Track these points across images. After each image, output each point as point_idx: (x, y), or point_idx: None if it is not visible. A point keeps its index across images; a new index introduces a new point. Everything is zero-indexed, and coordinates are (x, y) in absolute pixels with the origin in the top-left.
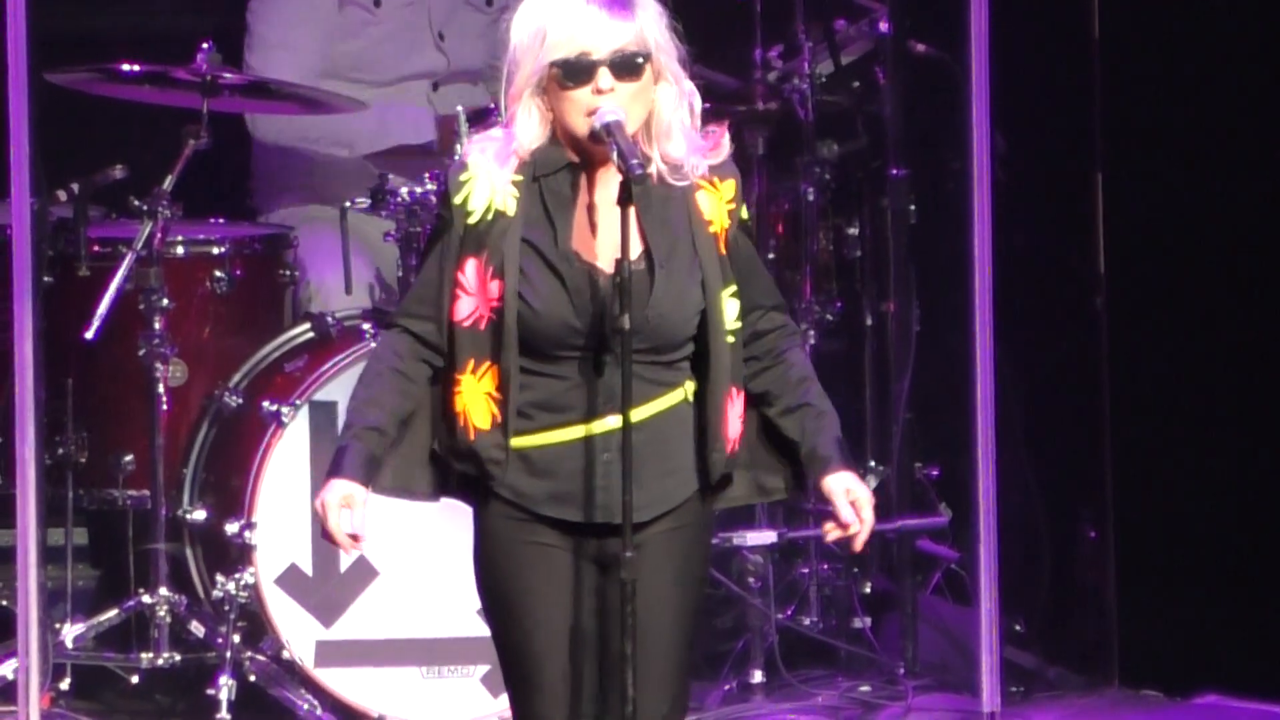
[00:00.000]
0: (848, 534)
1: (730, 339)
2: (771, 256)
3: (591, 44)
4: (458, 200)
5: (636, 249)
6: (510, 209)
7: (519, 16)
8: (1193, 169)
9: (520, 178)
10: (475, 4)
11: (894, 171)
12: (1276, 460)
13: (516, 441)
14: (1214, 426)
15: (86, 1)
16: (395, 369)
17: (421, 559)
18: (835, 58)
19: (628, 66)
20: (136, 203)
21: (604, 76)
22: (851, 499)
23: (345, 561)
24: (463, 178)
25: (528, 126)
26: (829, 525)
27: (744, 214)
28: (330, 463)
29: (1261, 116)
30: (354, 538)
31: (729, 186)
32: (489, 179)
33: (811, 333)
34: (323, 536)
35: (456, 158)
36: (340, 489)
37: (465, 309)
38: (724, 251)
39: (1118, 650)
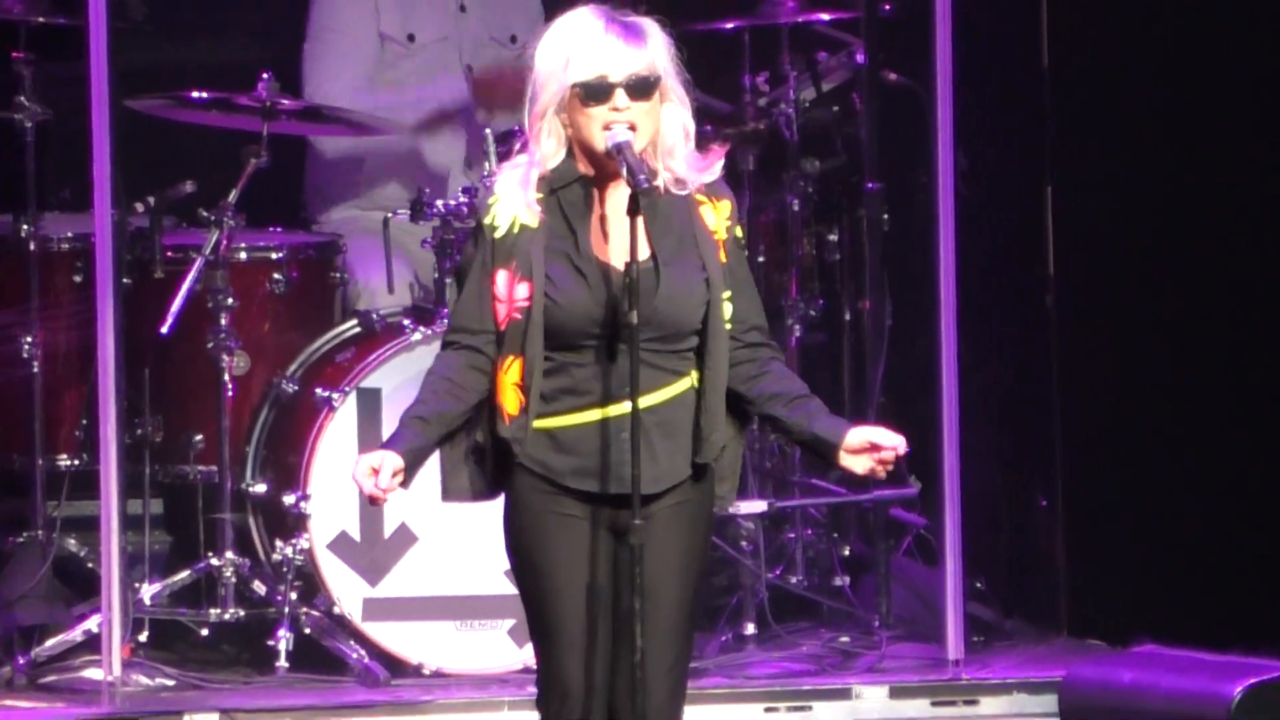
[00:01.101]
0: (897, 455)
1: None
2: (761, 260)
3: (609, 68)
4: (486, 221)
5: (645, 251)
6: (533, 222)
7: (543, 45)
8: (1131, 183)
9: (540, 194)
10: (500, 41)
11: (869, 185)
12: (1207, 437)
13: (544, 422)
14: (1152, 408)
15: (160, 36)
16: (445, 377)
17: (456, 527)
18: (817, 85)
19: (641, 88)
20: (205, 214)
21: (620, 96)
22: (876, 441)
23: (389, 528)
24: (490, 201)
25: (548, 142)
26: (875, 467)
27: (739, 233)
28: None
29: (1191, 136)
30: (376, 498)
31: (725, 205)
32: (512, 199)
33: (797, 327)
34: (352, 477)
35: (485, 178)
36: (378, 453)
37: (503, 313)
38: (724, 260)
39: (1065, 605)
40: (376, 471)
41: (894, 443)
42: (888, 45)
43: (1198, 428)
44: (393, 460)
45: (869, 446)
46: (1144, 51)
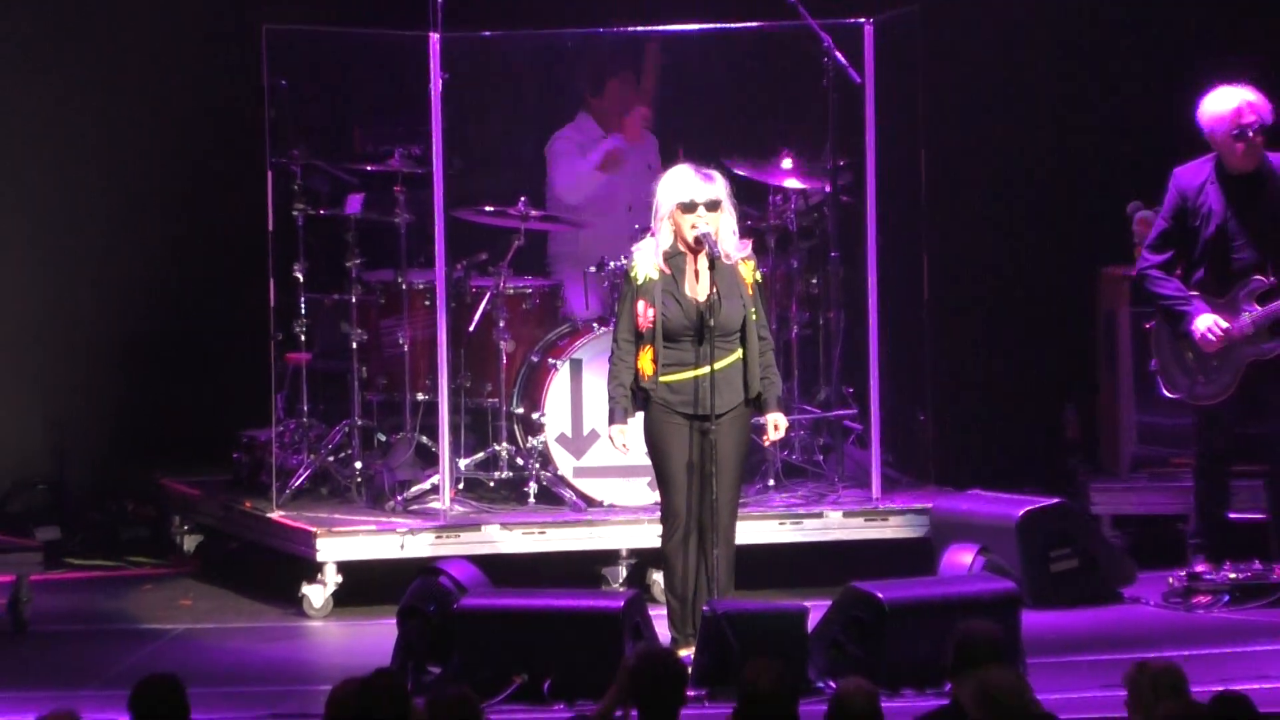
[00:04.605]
0: (772, 441)
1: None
2: (777, 292)
3: (695, 195)
4: (631, 274)
5: (712, 290)
6: (655, 276)
7: (661, 184)
8: (969, 248)
9: (660, 261)
10: (643, 170)
11: (833, 255)
12: (1012, 381)
13: (666, 378)
14: (980, 364)
15: (468, 174)
16: (625, 363)
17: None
18: (806, 201)
19: (712, 206)
20: (491, 269)
21: (700, 210)
22: (774, 424)
23: (586, 430)
24: (634, 263)
25: (664, 233)
26: (765, 438)
27: (758, 277)
28: (609, 412)
29: (996, 225)
30: (625, 447)
31: (751, 263)
32: (645, 263)
33: (795, 327)
34: (614, 447)
35: (633, 250)
36: (619, 428)
37: (641, 323)
38: (750, 293)
39: (934, 469)
40: (620, 434)
41: (772, 439)
42: (842, 183)
43: (1007, 376)
44: (624, 429)
45: (763, 429)
46: (983, 177)
